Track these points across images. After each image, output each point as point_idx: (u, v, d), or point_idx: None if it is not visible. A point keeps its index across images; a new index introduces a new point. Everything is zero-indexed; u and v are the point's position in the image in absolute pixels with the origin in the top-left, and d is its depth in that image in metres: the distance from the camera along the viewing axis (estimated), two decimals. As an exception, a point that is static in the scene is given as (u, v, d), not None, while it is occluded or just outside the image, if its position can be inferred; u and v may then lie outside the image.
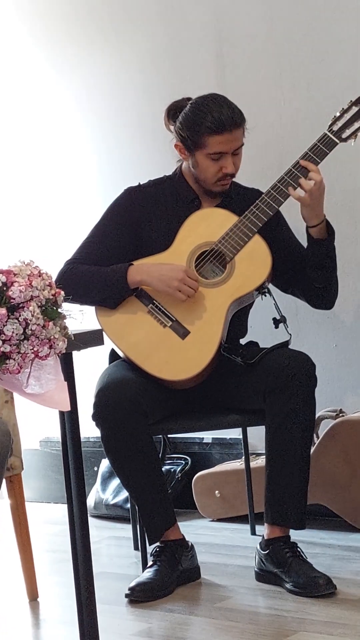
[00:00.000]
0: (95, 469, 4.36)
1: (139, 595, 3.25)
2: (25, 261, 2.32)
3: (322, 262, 3.39)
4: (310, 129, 3.67)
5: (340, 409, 3.85)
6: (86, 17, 4.43)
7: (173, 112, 3.44)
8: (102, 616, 2.64)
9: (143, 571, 3.40)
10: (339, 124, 3.34)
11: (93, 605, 2.60)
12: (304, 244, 3.44)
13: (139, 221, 3.45)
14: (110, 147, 4.43)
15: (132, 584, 3.30)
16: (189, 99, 3.45)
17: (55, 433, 4.59)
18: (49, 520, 4.32)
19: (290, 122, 3.97)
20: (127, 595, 3.26)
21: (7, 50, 4.66)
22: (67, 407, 2.36)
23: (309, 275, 3.42)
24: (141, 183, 3.54)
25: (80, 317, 2.36)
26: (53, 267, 3.16)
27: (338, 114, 3.35)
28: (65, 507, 4.28)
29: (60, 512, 4.41)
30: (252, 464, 3.87)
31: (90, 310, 3.31)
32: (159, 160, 3.87)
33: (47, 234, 4.61)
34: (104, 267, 3.39)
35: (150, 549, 3.44)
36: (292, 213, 3.42)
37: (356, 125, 3.34)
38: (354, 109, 3.34)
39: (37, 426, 4.62)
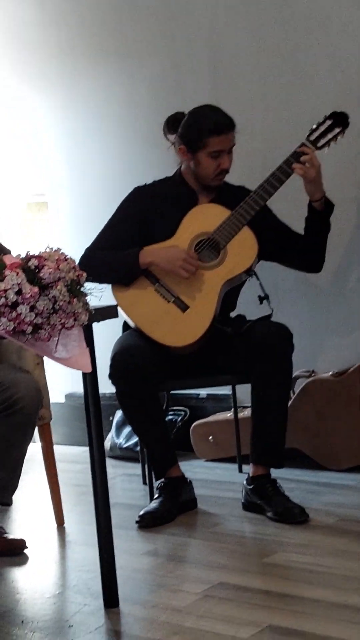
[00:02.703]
0: (111, 418, 4.38)
1: (147, 522, 3.27)
2: (53, 248, 2.33)
3: (320, 230, 3.39)
4: (289, 138, 3.67)
5: (313, 370, 3.86)
6: (105, 43, 4.41)
7: (171, 123, 3.43)
8: (116, 539, 2.64)
9: (150, 502, 3.42)
10: (315, 134, 3.32)
11: (109, 530, 2.62)
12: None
13: (145, 214, 3.44)
14: (122, 151, 4.42)
15: (141, 512, 3.32)
16: (182, 113, 3.44)
17: (77, 389, 4.62)
18: (72, 460, 4.32)
19: (273, 133, 3.95)
20: (137, 522, 3.28)
21: (43, 67, 4.65)
22: (88, 369, 2.37)
23: (307, 242, 3.41)
24: (147, 183, 3.54)
25: (99, 295, 2.37)
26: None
27: (314, 127, 3.33)
28: (85, 449, 4.34)
29: (82, 453, 4.42)
30: (240, 415, 3.88)
31: (107, 289, 3.31)
32: (162, 163, 3.86)
33: (75, 224, 4.61)
34: (118, 252, 3.39)
35: (156, 484, 3.45)
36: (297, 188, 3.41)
37: (329, 136, 3.32)
38: (327, 123, 3.32)
39: (62, 383, 4.64)
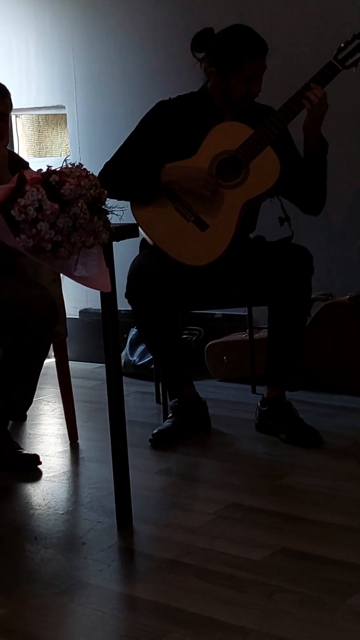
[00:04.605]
0: (125, 336, 4.34)
1: (160, 441, 3.26)
2: (75, 163, 2.26)
3: (316, 170, 3.29)
4: (316, 56, 3.55)
5: (330, 293, 3.82)
6: None
7: (199, 40, 3.31)
8: (129, 457, 2.62)
9: (164, 421, 3.41)
10: (343, 53, 3.20)
11: (124, 448, 2.60)
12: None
13: (168, 130, 3.33)
14: (145, 64, 4.30)
15: (155, 431, 3.31)
16: (211, 29, 3.31)
17: (92, 305, 4.59)
18: (84, 377, 4.30)
19: (299, 51, 3.83)
20: (150, 441, 3.28)
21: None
22: (108, 289, 2.32)
23: (305, 183, 3.33)
24: (171, 97, 3.43)
25: (120, 213, 2.31)
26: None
27: (343, 45, 3.21)
28: (98, 365, 4.34)
29: (94, 370, 4.41)
30: (255, 336, 3.85)
31: (128, 207, 3.23)
32: (185, 76, 3.75)
33: (95, 138, 4.52)
34: (139, 168, 3.31)
35: (170, 403, 3.44)
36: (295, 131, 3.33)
37: (357, 55, 3.20)
38: (356, 42, 3.20)
39: (77, 299, 4.60)
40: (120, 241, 2.48)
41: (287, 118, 3.20)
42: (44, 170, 2.19)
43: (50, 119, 4.80)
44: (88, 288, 2.43)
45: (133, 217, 3.25)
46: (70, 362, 3.47)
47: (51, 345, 3.28)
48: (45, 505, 2.78)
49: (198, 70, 3.35)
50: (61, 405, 3.42)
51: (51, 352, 3.40)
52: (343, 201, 3.81)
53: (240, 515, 2.61)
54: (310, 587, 2.17)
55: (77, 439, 3.39)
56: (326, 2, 3.76)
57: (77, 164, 2.25)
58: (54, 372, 3.43)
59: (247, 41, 3.22)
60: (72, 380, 3.44)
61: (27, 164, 3.18)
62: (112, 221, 2.30)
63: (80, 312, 4.68)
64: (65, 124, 4.67)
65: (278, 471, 2.96)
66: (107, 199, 2.29)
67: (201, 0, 4.07)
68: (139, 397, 3.96)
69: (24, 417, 3.33)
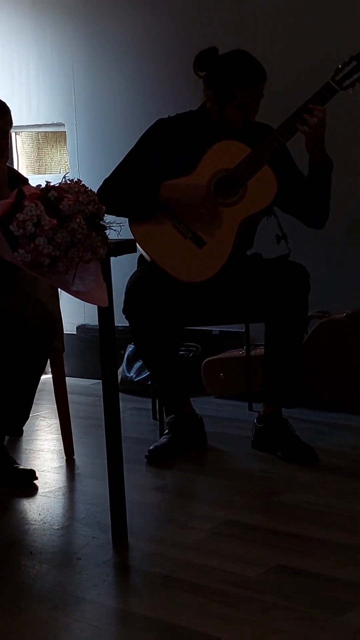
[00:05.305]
0: (122, 352, 4.35)
1: (156, 457, 3.26)
2: (74, 179, 2.27)
3: (319, 188, 3.31)
4: (314, 77, 3.56)
5: (327, 311, 3.82)
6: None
7: (200, 60, 3.32)
8: (125, 473, 2.62)
9: (160, 437, 3.41)
10: (341, 74, 3.22)
11: (120, 464, 2.60)
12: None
13: (167, 147, 3.35)
14: (143, 83, 4.32)
15: (151, 447, 3.31)
16: (215, 48, 3.33)
17: (89, 320, 4.59)
18: (81, 392, 4.29)
19: (297, 71, 3.85)
20: (146, 457, 3.27)
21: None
22: (105, 304, 2.33)
23: (309, 198, 3.35)
24: (170, 115, 3.45)
25: (118, 229, 2.32)
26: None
27: (340, 66, 3.23)
28: (94, 381, 4.33)
29: (91, 386, 4.41)
30: (252, 353, 3.85)
31: (126, 223, 3.24)
32: (184, 95, 3.77)
33: (94, 156, 4.54)
34: (137, 185, 3.32)
35: (166, 419, 3.44)
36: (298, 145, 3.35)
37: (355, 76, 3.22)
38: (353, 63, 3.22)
39: (74, 315, 4.61)
40: (118, 257, 2.49)
41: (284, 137, 3.22)
42: (43, 185, 2.20)
43: (50, 137, 4.82)
44: (85, 304, 2.45)
45: (130, 232, 3.26)
46: (67, 378, 3.47)
47: (48, 361, 3.28)
48: (41, 520, 2.78)
49: (197, 89, 3.37)
50: (57, 421, 3.42)
51: (48, 368, 3.40)
52: (340, 220, 3.81)
53: (235, 532, 2.61)
54: (304, 603, 2.17)
55: (73, 455, 3.38)
56: (325, 22, 3.79)
57: (76, 180, 2.26)
58: (50, 387, 3.43)
59: (243, 69, 3.24)
60: (69, 396, 3.44)
61: (26, 180, 3.19)
62: (110, 237, 2.31)
63: (78, 327, 4.68)
64: (65, 141, 4.69)
65: (274, 488, 2.96)
66: (106, 214, 2.30)
67: (202, 20, 4.09)
68: (136, 413, 3.95)
69: (21, 433, 3.33)
